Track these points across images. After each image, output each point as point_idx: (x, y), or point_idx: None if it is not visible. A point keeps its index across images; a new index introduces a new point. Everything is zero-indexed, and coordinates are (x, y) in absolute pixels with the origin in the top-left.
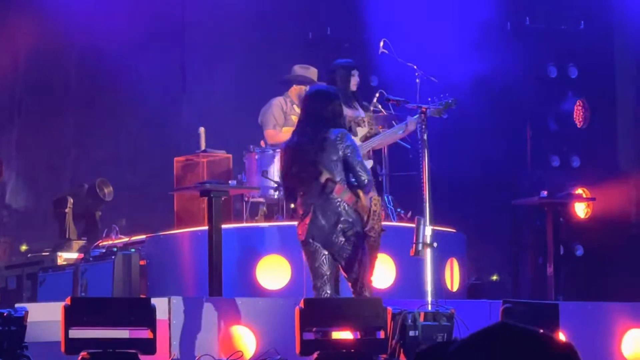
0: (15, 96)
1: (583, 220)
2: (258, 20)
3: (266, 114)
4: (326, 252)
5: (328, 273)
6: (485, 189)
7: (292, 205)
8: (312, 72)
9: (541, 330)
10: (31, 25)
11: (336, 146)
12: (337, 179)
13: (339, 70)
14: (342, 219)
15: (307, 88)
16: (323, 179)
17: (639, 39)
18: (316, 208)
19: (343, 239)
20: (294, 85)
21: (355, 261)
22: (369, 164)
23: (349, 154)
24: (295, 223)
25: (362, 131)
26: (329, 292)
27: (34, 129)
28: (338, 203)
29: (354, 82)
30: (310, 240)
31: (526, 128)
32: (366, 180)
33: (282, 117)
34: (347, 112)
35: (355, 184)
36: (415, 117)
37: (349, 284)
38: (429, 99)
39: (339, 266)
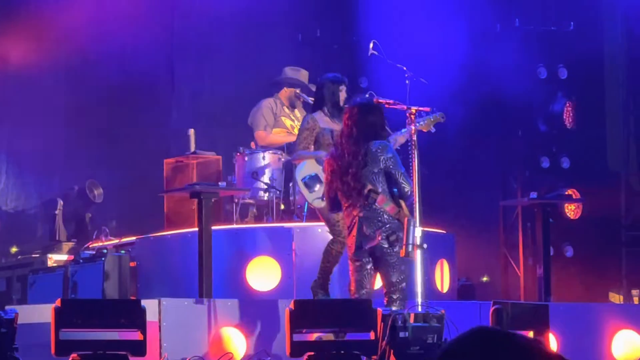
0: (4, 98)
1: (573, 221)
2: (247, 22)
3: (256, 116)
4: (370, 265)
5: (368, 286)
6: (475, 190)
7: (282, 207)
8: (303, 75)
9: (517, 332)
10: (21, 27)
11: (377, 158)
12: (379, 189)
13: (327, 84)
14: (386, 226)
15: (297, 90)
16: (366, 190)
17: (628, 40)
18: (361, 219)
19: (387, 245)
20: (285, 87)
21: (395, 266)
22: None
23: (390, 166)
24: (284, 225)
25: None
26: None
27: (24, 130)
28: (381, 213)
29: (342, 97)
30: (358, 254)
31: (516, 129)
32: (409, 191)
33: (272, 119)
34: (333, 125)
35: (397, 194)
36: (398, 134)
37: (384, 288)
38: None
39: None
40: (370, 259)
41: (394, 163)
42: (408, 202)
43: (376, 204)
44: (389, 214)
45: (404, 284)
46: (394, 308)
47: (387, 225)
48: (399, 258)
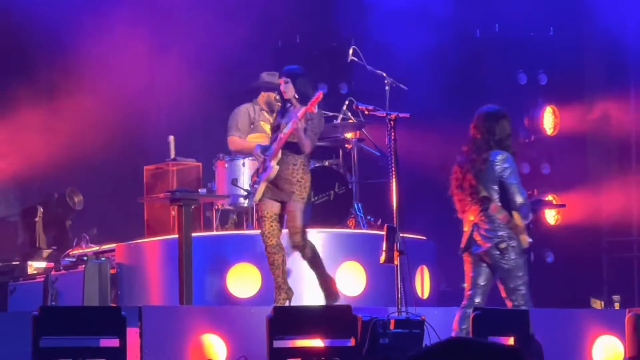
0: None
1: (553, 226)
2: (227, 28)
3: (232, 120)
4: (484, 265)
5: (482, 284)
6: None
7: None
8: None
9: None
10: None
11: (494, 168)
12: (494, 197)
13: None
14: (498, 233)
15: (276, 94)
16: (480, 197)
17: (608, 46)
18: (474, 225)
19: (498, 252)
20: (262, 92)
21: (510, 273)
22: (275, 170)
23: (504, 177)
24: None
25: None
26: (477, 300)
27: (2, 138)
28: (494, 220)
29: (282, 90)
30: (468, 252)
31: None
32: (519, 203)
33: (247, 124)
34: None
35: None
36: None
37: (503, 295)
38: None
39: (497, 279)
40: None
41: (508, 174)
42: (522, 213)
43: (489, 212)
44: (502, 222)
45: (522, 290)
46: None
47: (498, 233)
48: (515, 265)
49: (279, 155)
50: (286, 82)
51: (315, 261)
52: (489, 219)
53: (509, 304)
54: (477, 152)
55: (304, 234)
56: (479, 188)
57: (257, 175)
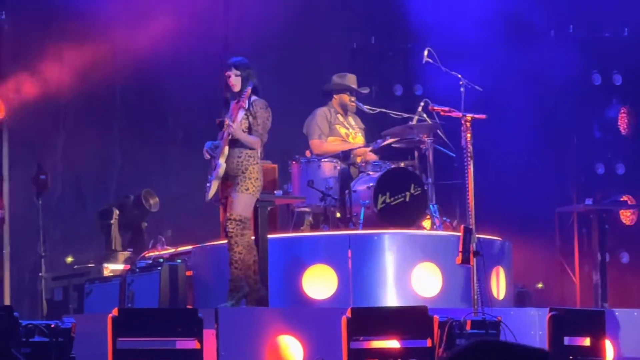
0: (60, 108)
1: (629, 227)
2: (302, 30)
3: (311, 124)
4: None
5: None
6: (530, 197)
7: (338, 215)
8: (350, 79)
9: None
10: (76, 37)
11: None
12: None
13: None
14: None
15: (348, 95)
16: None
17: None
18: None
19: None
20: (334, 95)
21: None
22: (223, 167)
23: None
24: (341, 233)
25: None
26: None
27: (80, 140)
28: None
29: (232, 83)
30: None
31: (571, 135)
32: None
33: (326, 127)
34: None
35: None
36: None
37: None
38: None
39: None
40: None
41: None
42: None
43: None
44: None
45: None
46: None
47: None
48: None
49: (226, 152)
50: (237, 75)
51: (237, 258)
52: None
53: None
54: None
55: (239, 225)
56: None
57: (210, 174)
